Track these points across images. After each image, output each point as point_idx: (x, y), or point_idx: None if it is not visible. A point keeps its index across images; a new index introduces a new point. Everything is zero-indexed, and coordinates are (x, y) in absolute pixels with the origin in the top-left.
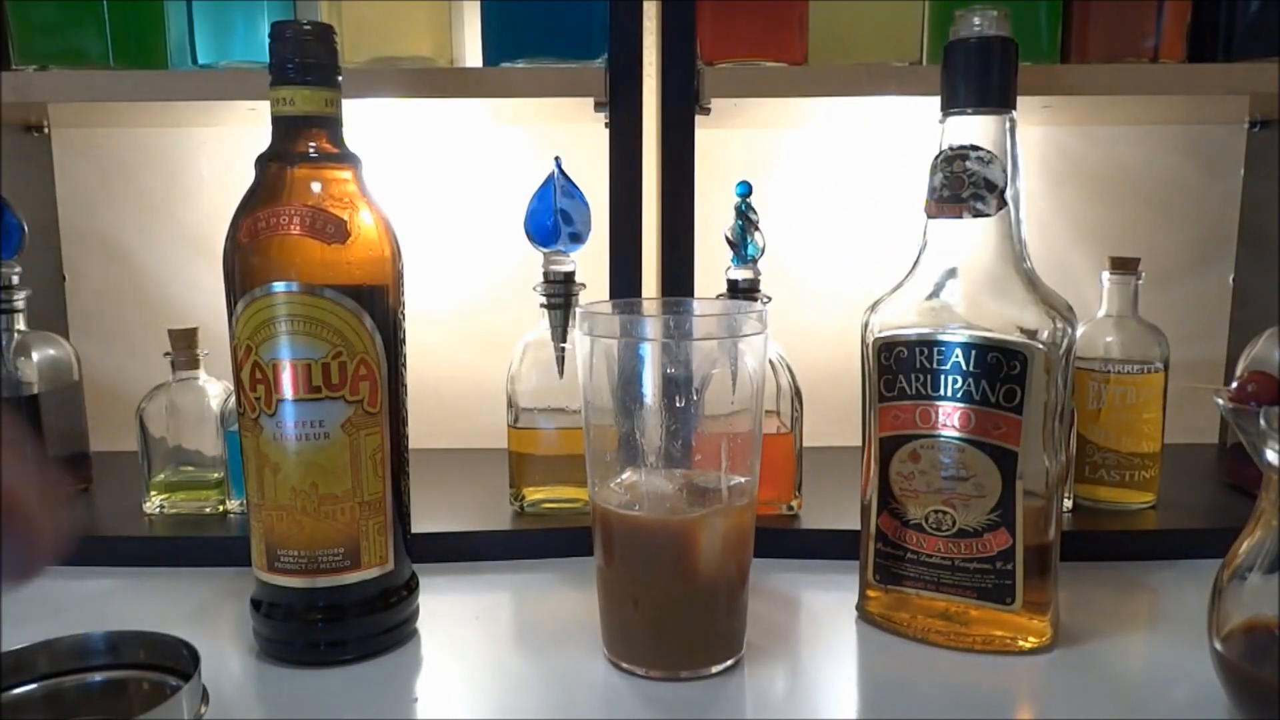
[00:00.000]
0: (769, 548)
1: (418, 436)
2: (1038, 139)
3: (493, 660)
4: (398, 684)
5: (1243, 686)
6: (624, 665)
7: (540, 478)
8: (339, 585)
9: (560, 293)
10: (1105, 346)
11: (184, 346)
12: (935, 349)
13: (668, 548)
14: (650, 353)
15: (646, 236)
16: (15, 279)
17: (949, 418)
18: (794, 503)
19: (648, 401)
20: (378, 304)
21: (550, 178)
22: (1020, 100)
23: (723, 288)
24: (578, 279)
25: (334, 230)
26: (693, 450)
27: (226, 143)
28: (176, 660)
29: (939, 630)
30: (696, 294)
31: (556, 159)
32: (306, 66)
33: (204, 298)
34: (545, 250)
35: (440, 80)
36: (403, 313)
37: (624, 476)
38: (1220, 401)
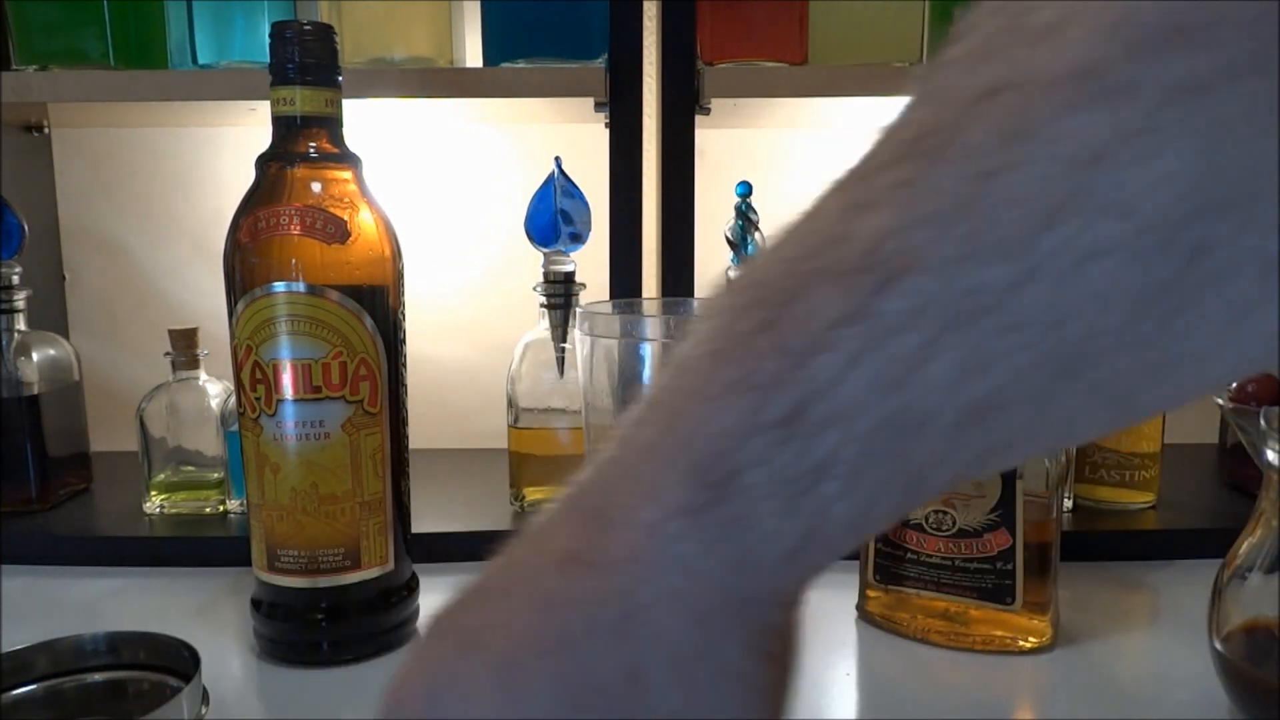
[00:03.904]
0: None
1: (418, 436)
2: None
3: None
4: None
5: (1243, 686)
6: None
7: (540, 478)
8: (339, 585)
9: (560, 293)
10: None
11: (184, 346)
12: None
13: None
14: (650, 353)
15: (646, 236)
16: (15, 279)
17: None
18: None
19: None
20: (378, 304)
21: (550, 178)
22: None
23: None
24: (578, 279)
25: (334, 230)
26: None
27: (226, 143)
28: (177, 661)
29: (939, 630)
30: (696, 294)
31: (556, 159)
32: (306, 66)
33: (204, 298)
34: (545, 250)
35: (440, 80)
36: (403, 313)
37: None
38: (1220, 401)
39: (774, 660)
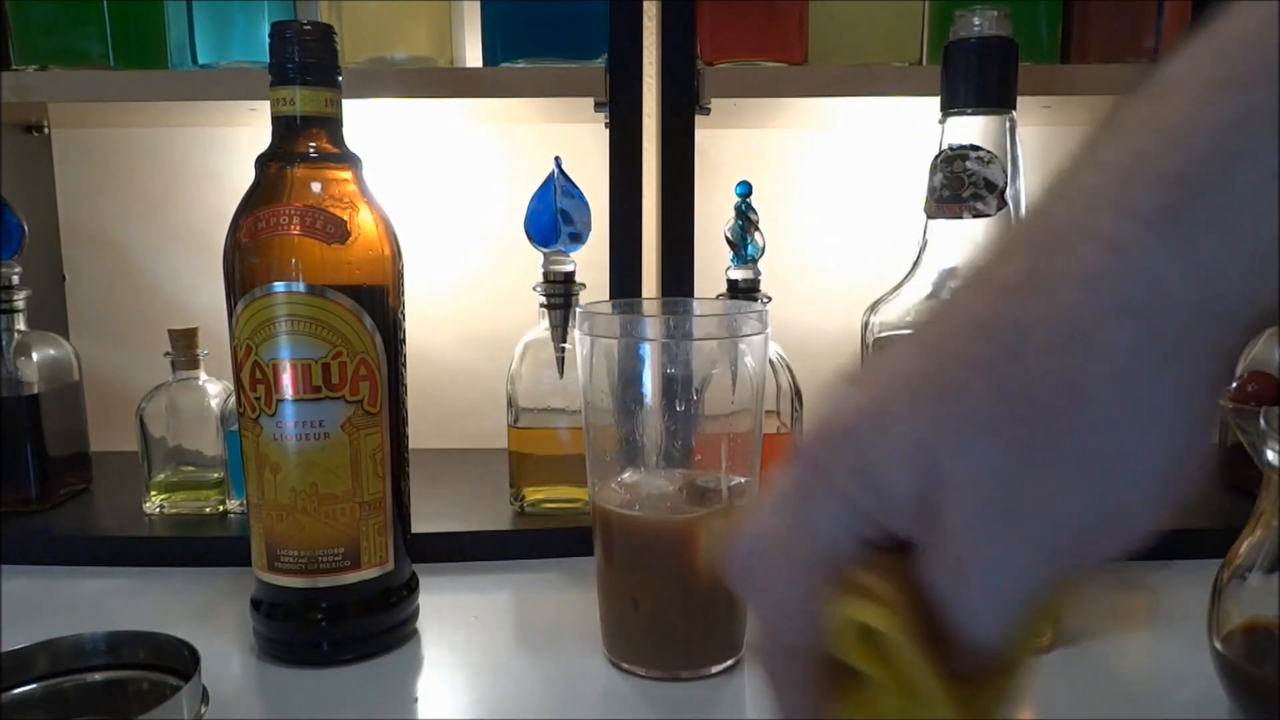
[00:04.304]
0: None
1: (418, 436)
2: (1038, 139)
3: (493, 660)
4: (398, 684)
5: (1243, 686)
6: (624, 665)
7: (540, 478)
8: (339, 585)
9: (560, 293)
10: None
11: (184, 346)
12: None
13: (668, 548)
14: (650, 353)
15: (646, 236)
16: (15, 279)
17: None
18: None
19: (648, 402)
20: (378, 304)
21: (550, 178)
22: (1020, 100)
23: (723, 288)
24: (578, 279)
25: (334, 230)
26: (693, 450)
27: (226, 143)
28: (176, 660)
29: None
30: (696, 294)
31: (556, 159)
32: (306, 66)
33: (204, 298)
34: (545, 250)
35: (440, 80)
36: (403, 313)
37: (624, 476)
38: (1220, 401)
39: (1216, 393)
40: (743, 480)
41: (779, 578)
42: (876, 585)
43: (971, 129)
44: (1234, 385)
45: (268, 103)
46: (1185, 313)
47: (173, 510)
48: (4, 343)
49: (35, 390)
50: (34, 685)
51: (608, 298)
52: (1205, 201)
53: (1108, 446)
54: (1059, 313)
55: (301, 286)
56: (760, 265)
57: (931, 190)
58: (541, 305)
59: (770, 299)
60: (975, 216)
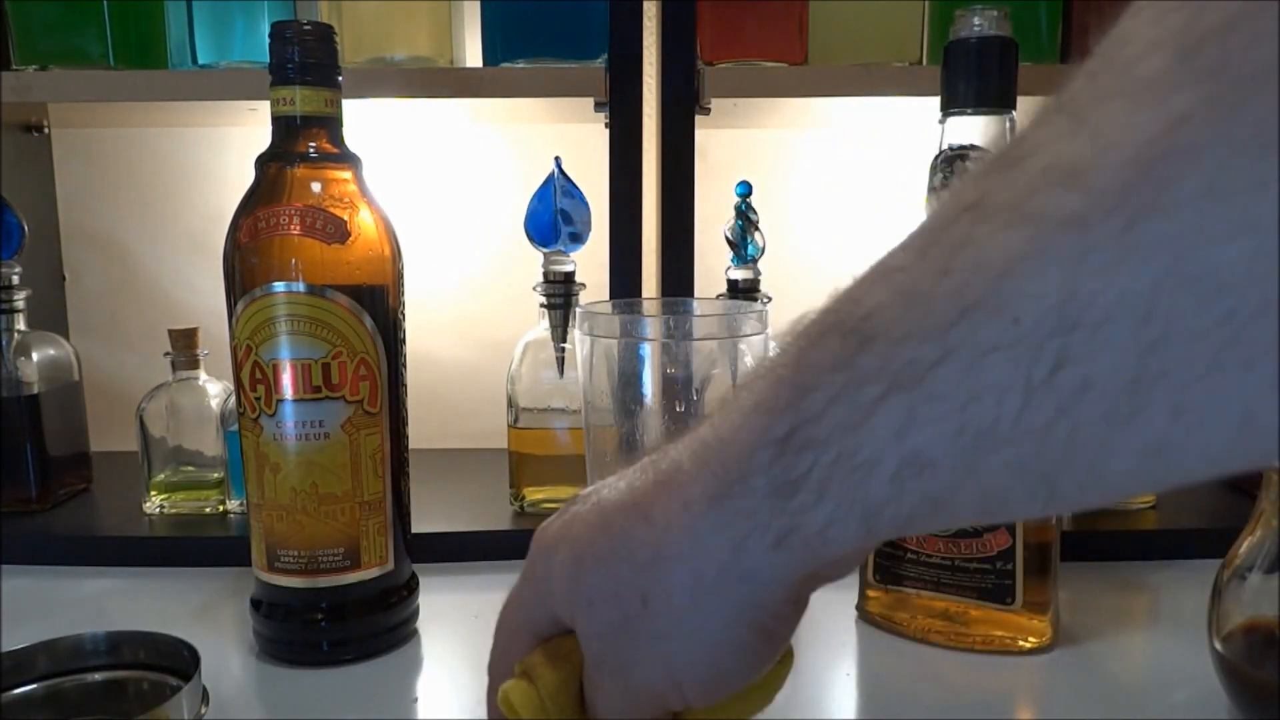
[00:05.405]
0: None
1: (418, 436)
2: None
3: None
4: (398, 684)
5: (1243, 686)
6: None
7: (540, 478)
8: (339, 585)
9: (560, 293)
10: None
11: (184, 346)
12: None
13: None
14: (650, 353)
15: (646, 236)
16: (15, 279)
17: None
18: None
19: (648, 402)
20: (378, 304)
21: (550, 178)
22: (1020, 100)
23: (723, 288)
24: (578, 279)
25: (334, 230)
26: None
27: (226, 143)
28: (176, 660)
29: (939, 630)
30: (696, 294)
31: (556, 159)
32: (306, 66)
33: (204, 298)
34: (545, 250)
35: (440, 80)
36: (403, 313)
37: None
38: None
39: (760, 630)
40: None
41: (496, 636)
42: (542, 670)
43: (971, 129)
44: None
45: (268, 103)
46: (719, 569)
47: (173, 510)
48: (4, 343)
49: (35, 390)
50: (34, 685)
51: (608, 298)
52: (734, 494)
53: (667, 641)
54: (648, 544)
55: (301, 286)
56: (760, 265)
57: (932, 190)
58: (541, 305)
59: (770, 299)
60: None
